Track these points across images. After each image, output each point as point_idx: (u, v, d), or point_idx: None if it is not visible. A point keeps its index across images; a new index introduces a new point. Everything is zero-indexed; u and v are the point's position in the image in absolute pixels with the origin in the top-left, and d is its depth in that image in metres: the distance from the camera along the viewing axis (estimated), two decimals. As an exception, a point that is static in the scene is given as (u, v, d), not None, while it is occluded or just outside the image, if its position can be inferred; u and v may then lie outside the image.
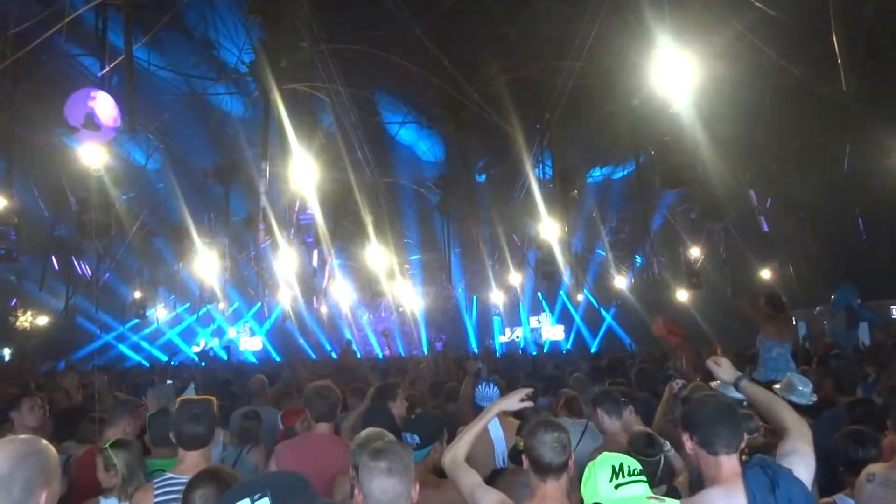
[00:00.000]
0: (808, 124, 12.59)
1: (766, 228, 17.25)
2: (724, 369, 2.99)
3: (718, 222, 18.37)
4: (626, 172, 18.67)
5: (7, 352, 21.53)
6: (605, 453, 2.22)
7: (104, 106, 5.77)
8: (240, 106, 15.11)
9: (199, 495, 2.50)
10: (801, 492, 2.35)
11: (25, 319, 21.88)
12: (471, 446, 2.93)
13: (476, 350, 23.78)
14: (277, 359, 23.32)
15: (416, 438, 3.20)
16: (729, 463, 2.42)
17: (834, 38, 8.22)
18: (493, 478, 3.64)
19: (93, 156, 9.27)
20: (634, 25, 9.78)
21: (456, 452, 2.87)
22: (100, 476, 3.33)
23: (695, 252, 19.23)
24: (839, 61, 8.27)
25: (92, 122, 5.65)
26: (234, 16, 12.61)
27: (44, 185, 15.53)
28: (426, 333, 25.36)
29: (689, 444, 2.52)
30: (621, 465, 2.10)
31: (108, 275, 20.49)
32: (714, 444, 2.42)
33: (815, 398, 4.13)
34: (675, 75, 8.17)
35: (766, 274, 19.05)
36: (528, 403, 3.07)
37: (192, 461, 3.08)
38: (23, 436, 1.98)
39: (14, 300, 21.37)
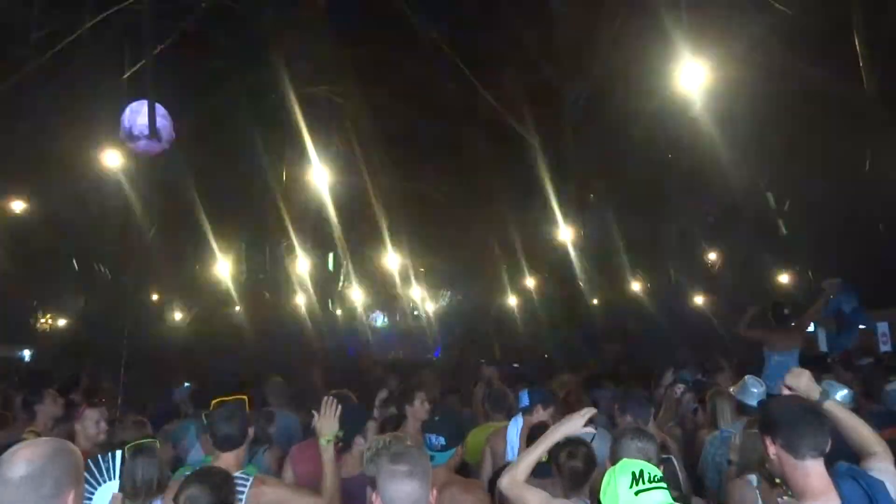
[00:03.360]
0: (828, 127, 12.44)
1: (784, 233, 17.06)
2: (803, 384, 2.70)
3: (736, 226, 18.18)
4: (643, 176, 18.52)
5: (27, 353, 21.83)
6: (625, 459, 2.20)
7: (163, 117, 5.89)
8: (257, 110, 15.20)
9: (186, 496, 2.50)
10: None
11: (45, 321, 22.18)
12: (530, 470, 2.83)
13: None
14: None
15: (442, 440, 3.17)
16: (817, 469, 2.24)
17: (856, 39, 8.12)
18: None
19: (114, 161, 9.42)
20: (652, 29, 9.74)
21: (515, 476, 2.76)
22: None
23: (712, 257, 19.07)
24: (861, 63, 8.16)
25: (156, 133, 5.74)
26: (252, 21, 12.72)
27: (65, 189, 15.73)
28: (441, 337, 25.33)
29: (772, 449, 2.33)
30: (641, 472, 2.06)
31: (125, 277, 20.69)
32: (800, 447, 2.23)
33: None
34: (694, 79, 8.11)
35: (784, 279, 18.82)
36: (591, 429, 2.87)
37: (224, 462, 3.08)
38: (52, 438, 2.04)
39: (34, 302, 21.65)
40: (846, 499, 2.17)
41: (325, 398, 3.29)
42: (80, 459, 1.87)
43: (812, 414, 2.33)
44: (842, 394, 4.21)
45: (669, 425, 5.48)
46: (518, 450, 4.23)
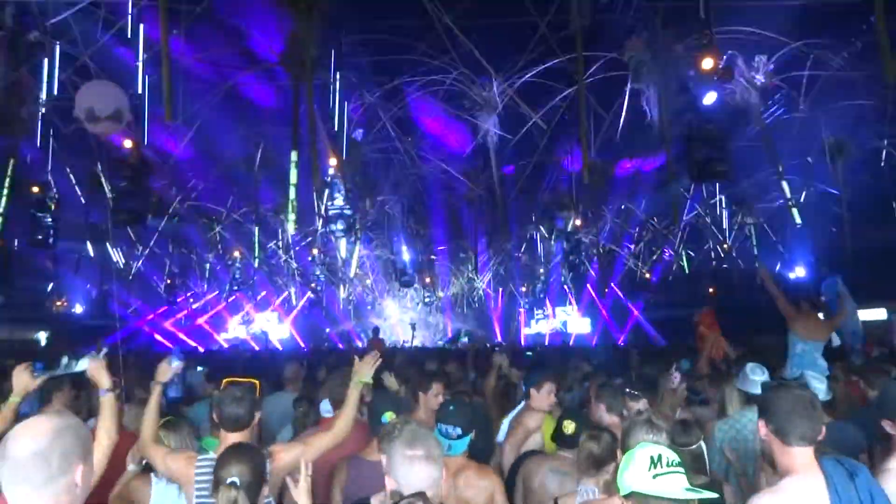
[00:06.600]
0: (845, 116, 12.28)
1: (799, 223, 16.91)
2: None
3: (750, 217, 18.05)
4: (656, 165, 18.40)
5: (43, 336, 22.07)
6: (643, 443, 2.21)
7: (105, 98, 5.70)
8: (270, 96, 15.22)
9: (234, 472, 2.48)
10: (881, 490, 2.28)
11: (61, 305, 22.40)
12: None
13: (501, 342, 23.75)
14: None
15: (458, 429, 3.21)
16: (803, 454, 2.34)
17: (876, 27, 7.98)
18: (520, 461, 3.76)
19: (127, 145, 9.47)
20: (667, 15, 9.62)
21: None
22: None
23: (725, 247, 18.97)
24: (881, 51, 8.02)
25: (92, 115, 5.60)
26: (265, 6, 12.68)
27: (79, 173, 15.83)
28: (452, 324, 25.44)
29: (763, 431, 2.46)
30: (659, 456, 2.06)
31: (140, 261, 20.88)
32: (789, 435, 2.34)
33: None
34: (708, 66, 8.03)
35: (799, 270, 18.69)
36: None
37: (232, 443, 3.07)
38: (57, 412, 2.01)
39: (50, 285, 21.85)
40: (828, 474, 2.26)
41: (372, 352, 3.68)
42: (88, 434, 1.85)
43: (806, 405, 2.39)
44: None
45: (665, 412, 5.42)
46: (505, 433, 4.31)
